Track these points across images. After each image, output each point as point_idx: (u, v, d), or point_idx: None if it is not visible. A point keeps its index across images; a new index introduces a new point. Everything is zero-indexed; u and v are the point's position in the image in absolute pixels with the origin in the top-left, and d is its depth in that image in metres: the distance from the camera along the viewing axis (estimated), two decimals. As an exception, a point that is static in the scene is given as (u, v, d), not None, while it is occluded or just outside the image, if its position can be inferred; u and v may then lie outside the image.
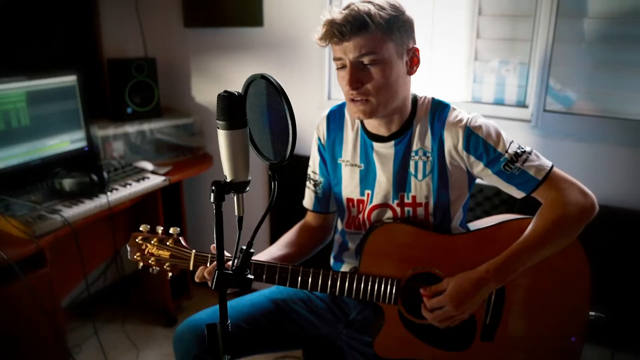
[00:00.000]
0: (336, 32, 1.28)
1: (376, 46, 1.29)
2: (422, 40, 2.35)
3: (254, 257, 1.35)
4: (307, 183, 1.66)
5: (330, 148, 1.58)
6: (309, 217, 1.69)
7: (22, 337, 1.92)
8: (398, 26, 1.31)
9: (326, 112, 1.60)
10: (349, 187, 1.55)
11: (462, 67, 2.28)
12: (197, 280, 1.37)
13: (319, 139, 1.60)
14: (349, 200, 1.57)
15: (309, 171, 1.66)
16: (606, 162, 2.00)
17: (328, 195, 1.64)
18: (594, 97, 2.06)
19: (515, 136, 2.06)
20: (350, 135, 1.54)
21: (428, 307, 1.37)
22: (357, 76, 1.32)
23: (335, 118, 1.58)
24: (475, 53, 2.24)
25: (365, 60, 1.30)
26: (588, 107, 2.07)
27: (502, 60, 2.19)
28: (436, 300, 1.35)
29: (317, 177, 1.63)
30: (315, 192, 1.64)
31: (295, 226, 1.68)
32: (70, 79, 2.34)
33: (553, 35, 2.01)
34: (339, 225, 1.67)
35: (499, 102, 2.24)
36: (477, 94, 2.28)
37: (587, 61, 2.03)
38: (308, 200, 1.67)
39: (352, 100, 1.36)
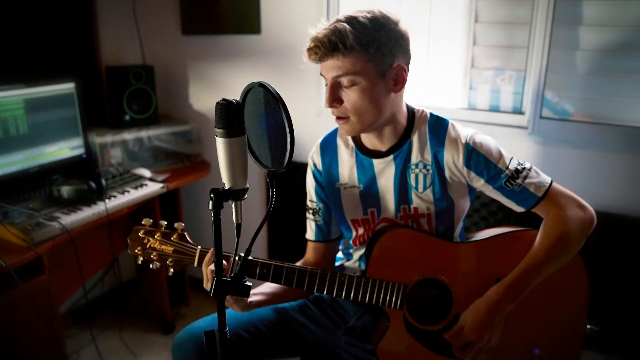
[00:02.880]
0: (312, 53, 1.29)
1: (351, 68, 1.28)
2: (418, 47, 2.38)
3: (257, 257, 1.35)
4: (307, 214, 1.63)
5: (327, 173, 1.57)
6: (309, 253, 1.65)
7: (20, 344, 1.91)
8: (378, 45, 1.27)
9: (319, 140, 1.60)
10: (351, 208, 1.55)
11: (459, 74, 2.29)
12: (204, 266, 1.32)
13: (314, 165, 1.59)
14: (354, 221, 1.56)
15: (307, 202, 1.63)
16: (602, 169, 2.01)
17: (329, 222, 1.61)
18: (590, 104, 2.07)
19: (512, 143, 2.09)
20: (345, 158, 1.54)
21: (456, 347, 1.37)
22: (336, 95, 1.32)
23: (328, 144, 1.57)
24: (471, 60, 2.25)
25: (343, 80, 1.30)
26: (584, 113, 2.08)
27: (498, 68, 2.20)
28: (460, 339, 1.35)
29: (315, 205, 1.60)
30: (316, 221, 1.61)
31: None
32: (68, 87, 2.34)
33: (549, 42, 2.02)
34: (344, 244, 1.66)
35: (495, 109, 2.25)
36: (473, 100, 2.29)
37: (583, 68, 2.04)
38: (310, 232, 1.63)
39: (336, 117, 1.37)
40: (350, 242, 1.62)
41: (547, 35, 2.01)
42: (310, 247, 1.65)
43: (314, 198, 1.60)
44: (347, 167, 1.53)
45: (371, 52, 1.27)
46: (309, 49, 1.30)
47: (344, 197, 1.55)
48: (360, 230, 1.57)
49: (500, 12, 2.14)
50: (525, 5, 2.06)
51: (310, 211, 1.62)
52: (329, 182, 1.57)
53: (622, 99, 2.01)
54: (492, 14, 2.16)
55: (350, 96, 1.32)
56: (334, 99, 1.33)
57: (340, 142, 1.55)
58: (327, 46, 1.26)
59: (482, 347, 1.34)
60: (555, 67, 2.05)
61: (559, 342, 1.44)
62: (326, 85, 1.35)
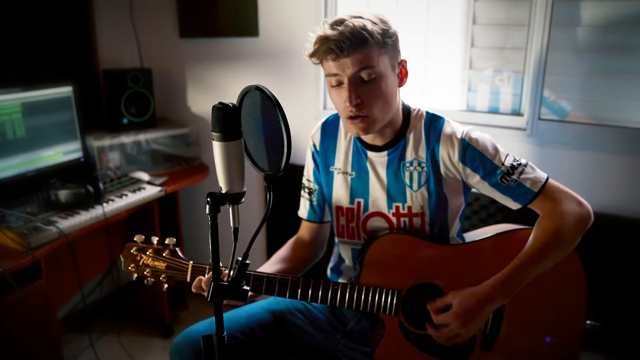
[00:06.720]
0: (334, 48, 1.27)
1: (374, 60, 1.30)
2: (416, 49, 2.38)
3: (250, 270, 1.35)
4: (302, 192, 1.66)
5: (324, 155, 1.58)
6: (303, 230, 1.69)
7: (17, 350, 1.90)
8: (391, 40, 1.33)
9: (321, 121, 1.61)
10: (339, 194, 1.56)
11: (457, 75, 2.29)
12: (194, 290, 1.36)
13: (314, 145, 1.61)
14: (338, 208, 1.57)
15: (304, 180, 1.66)
16: (601, 170, 2.01)
17: (323, 204, 1.64)
18: (588, 105, 2.07)
19: (510, 144, 2.09)
20: (343, 143, 1.55)
21: (435, 323, 1.36)
22: (357, 92, 1.32)
23: (329, 127, 1.59)
24: (469, 62, 2.25)
25: (364, 75, 1.30)
26: (582, 115, 2.08)
27: (497, 69, 2.20)
28: (442, 317, 1.34)
29: (312, 185, 1.63)
30: (310, 201, 1.63)
31: (288, 242, 1.68)
32: (65, 90, 2.34)
33: (547, 43, 2.02)
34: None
35: (494, 111, 2.24)
36: (471, 102, 2.29)
37: (581, 69, 2.04)
38: (303, 210, 1.67)
39: (351, 117, 1.35)
40: (336, 234, 1.62)
41: (545, 36, 2.01)
42: (304, 225, 1.68)
43: (312, 178, 1.63)
44: (343, 152, 1.55)
45: (388, 45, 1.32)
46: (326, 47, 1.28)
47: (336, 181, 1.56)
48: (342, 220, 1.57)
49: (498, 14, 2.14)
50: (523, 7, 2.06)
51: (306, 190, 1.64)
52: (324, 164, 1.58)
53: (621, 100, 2.01)
54: (490, 16, 2.16)
55: (369, 91, 1.32)
56: (357, 95, 1.32)
57: (342, 126, 1.56)
58: (354, 40, 1.27)
59: (458, 335, 1.34)
60: (553, 68, 2.05)
61: (559, 341, 1.44)
62: (333, 86, 1.35)
